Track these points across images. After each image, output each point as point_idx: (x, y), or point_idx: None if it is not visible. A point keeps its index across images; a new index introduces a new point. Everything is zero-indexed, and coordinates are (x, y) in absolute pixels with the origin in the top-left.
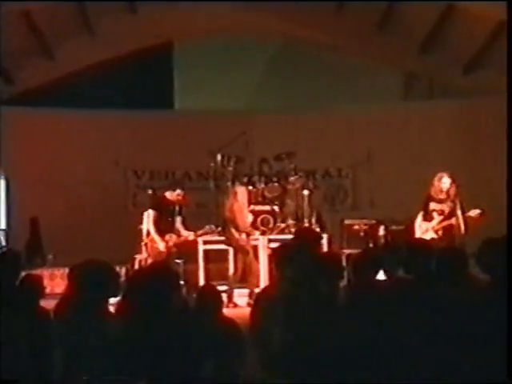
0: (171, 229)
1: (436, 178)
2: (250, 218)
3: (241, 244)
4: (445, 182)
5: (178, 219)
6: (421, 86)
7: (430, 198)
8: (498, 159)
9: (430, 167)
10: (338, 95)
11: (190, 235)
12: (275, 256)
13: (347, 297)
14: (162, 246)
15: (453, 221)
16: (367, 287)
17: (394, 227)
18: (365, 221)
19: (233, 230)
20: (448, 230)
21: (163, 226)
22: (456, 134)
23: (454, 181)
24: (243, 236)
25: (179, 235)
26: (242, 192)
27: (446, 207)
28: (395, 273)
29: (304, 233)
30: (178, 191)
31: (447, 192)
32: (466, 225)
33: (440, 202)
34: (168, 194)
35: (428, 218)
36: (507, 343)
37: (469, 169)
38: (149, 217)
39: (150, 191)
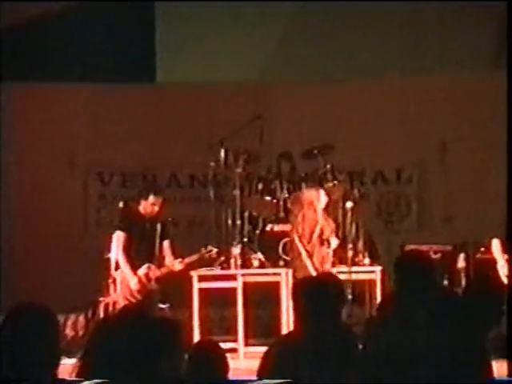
0: (150, 257)
1: None
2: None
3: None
4: None
5: (165, 243)
6: None
7: None
8: None
9: None
10: (396, 60)
11: (176, 264)
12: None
13: None
14: (133, 282)
15: None
16: None
17: (479, 256)
18: (437, 246)
19: (303, 255)
20: None
21: (138, 254)
22: None
23: None
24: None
25: (161, 265)
26: (319, 198)
27: None
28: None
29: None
30: (152, 198)
31: None
32: None
33: None
34: (142, 207)
35: None
36: (507, 343)
37: None
38: (117, 241)
39: (121, 204)
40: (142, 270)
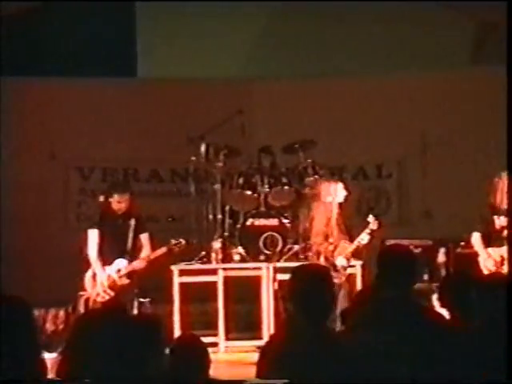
0: (123, 252)
1: (500, 179)
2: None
3: None
4: None
5: (142, 236)
6: (495, 45)
7: (494, 210)
8: None
9: None
10: (376, 56)
11: (140, 260)
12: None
13: None
14: (103, 278)
15: None
16: None
17: (459, 250)
18: (417, 241)
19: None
20: None
21: (111, 250)
22: None
23: None
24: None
25: (134, 260)
26: (337, 192)
27: None
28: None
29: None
30: (116, 197)
31: None
32: None
33: (506, 214)
34: (113, 202)
35: (496, 240)
36: (507, 343)
37: None
38: (90, 238)
39: (101, 198)
40: (112, 266)
